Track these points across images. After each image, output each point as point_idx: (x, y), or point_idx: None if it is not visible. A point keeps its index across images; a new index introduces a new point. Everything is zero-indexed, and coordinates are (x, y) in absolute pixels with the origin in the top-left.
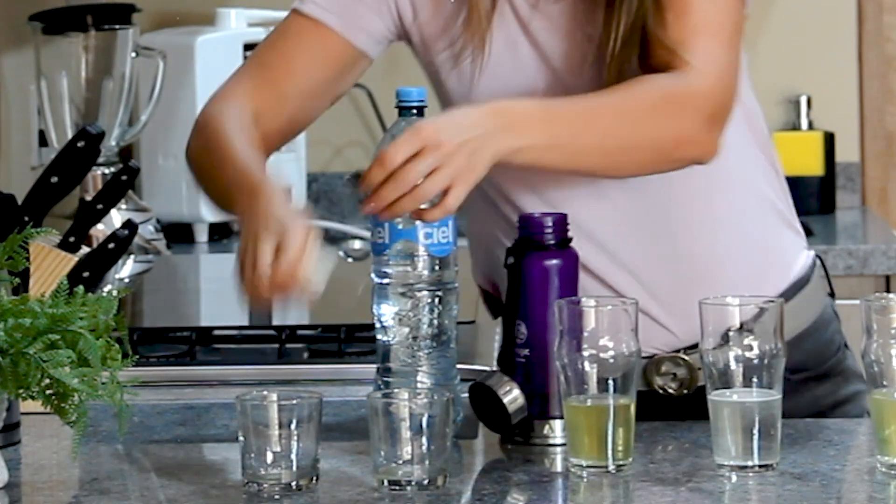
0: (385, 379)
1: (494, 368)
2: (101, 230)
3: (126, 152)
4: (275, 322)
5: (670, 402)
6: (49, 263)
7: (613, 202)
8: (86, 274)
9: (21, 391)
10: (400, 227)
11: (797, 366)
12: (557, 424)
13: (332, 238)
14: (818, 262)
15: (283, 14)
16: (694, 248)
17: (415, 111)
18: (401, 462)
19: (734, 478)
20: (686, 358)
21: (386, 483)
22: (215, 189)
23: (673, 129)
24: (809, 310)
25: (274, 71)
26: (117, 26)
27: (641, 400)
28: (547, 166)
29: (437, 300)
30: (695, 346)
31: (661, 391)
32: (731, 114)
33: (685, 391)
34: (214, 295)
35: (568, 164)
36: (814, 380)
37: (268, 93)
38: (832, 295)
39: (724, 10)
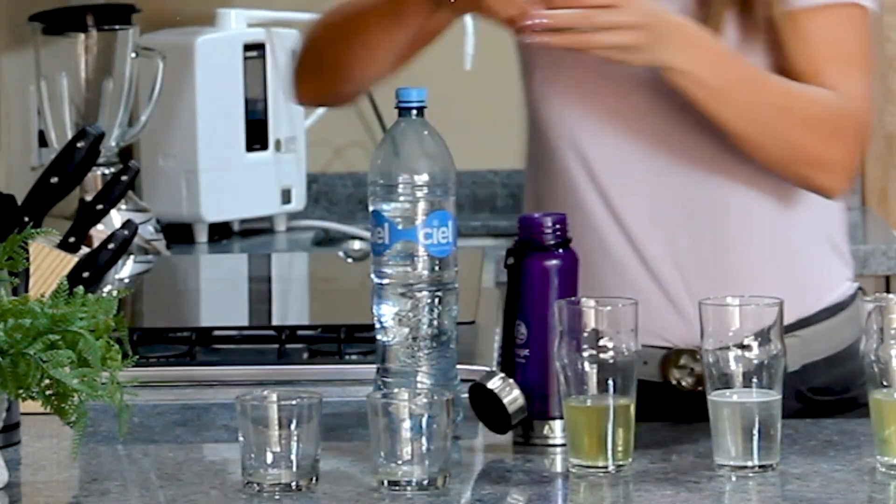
0: (385, 379)
1: (494, 368)
2: (100, 230)
3: (126, 152)
4: (275, 322)
5: (682, 397)
6: (49, 264)
7: (678, 188)
8: (86, 274)
9: (21, 391)
10: (400, 227)
11: (821, 388)
12: (557, 425)
13: (331, 238)
14: (860, 294)
15: (283, 14)
16: (736, 248)
17: (414, 111)
18: (401, 462)
19: (734, 478)
20: None
21: (386, 483)
22: (365, 34)
23: (821, 147)
24: (841, 336)
25: None
26: (117, 26)
27: (654, 392)
28: (692, 97)
29: (436, 301)
30: None
31: (675, 384)
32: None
33: (699, 388)
34: (214, 295)
35: (710, 106)
36: (836, 405)
37: None
38: None
39: (855, 35)
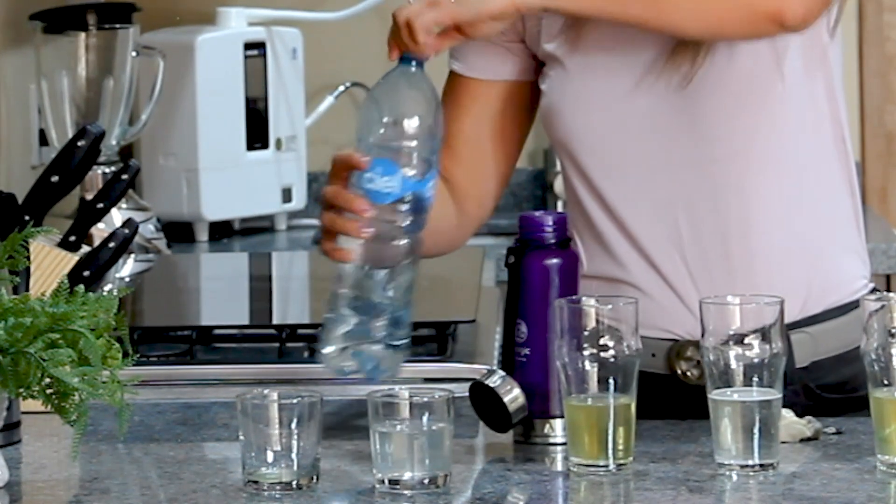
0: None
1: (495, 367)
2: (101, 229)
3: (126, 151)
4: (275, 321)
5: (688, 391)
6: (49, 262)
7: (678, 180)
8: (86, 273)
9: (21, 390)
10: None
11: (830, 385)
12: (558, 424)
13: None
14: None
15: (284, 13)
16: (741, 239)
17: (414, 63)
18: (400, 462)
19: (734, 477)
20: None
21: (386, 482)
22: None
23: None
24: (851, 335)
25: (454, 142)
26: (118, 25)
27: (660, 385)
28: (580, 13)
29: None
30: None
31: (681, 376)
32: None
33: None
34: (215, 294)
35: (600, 12)
36: (845, 403)
37: (455, 167)
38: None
39: None
